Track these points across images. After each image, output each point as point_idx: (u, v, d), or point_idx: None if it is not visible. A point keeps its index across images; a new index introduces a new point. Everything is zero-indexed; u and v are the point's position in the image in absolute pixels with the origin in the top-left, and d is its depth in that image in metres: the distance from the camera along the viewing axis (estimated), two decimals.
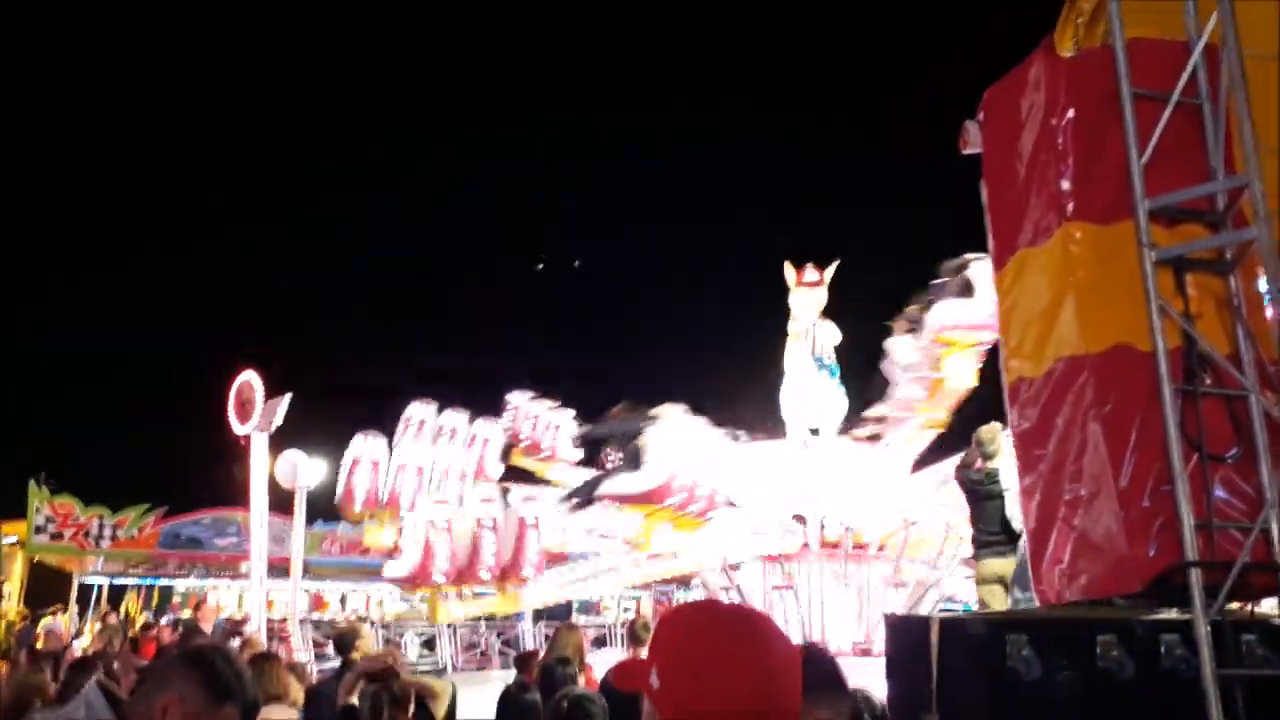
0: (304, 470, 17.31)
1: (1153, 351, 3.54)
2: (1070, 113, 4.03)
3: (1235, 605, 3.44)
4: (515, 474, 13.60)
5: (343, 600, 28.72)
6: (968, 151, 4.78)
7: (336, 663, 7.33)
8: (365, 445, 12.05)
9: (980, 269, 11.17)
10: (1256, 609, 3.53)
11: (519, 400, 13.96)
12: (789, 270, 12.73)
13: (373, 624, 17.16)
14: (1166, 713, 3.13)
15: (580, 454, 13.36)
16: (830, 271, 12.62)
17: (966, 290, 11.04)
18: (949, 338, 11.26)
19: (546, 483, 13.42)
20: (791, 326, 12.75)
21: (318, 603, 27.23)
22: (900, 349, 11.65)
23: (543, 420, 13.63)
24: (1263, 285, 3.75)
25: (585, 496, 10.87)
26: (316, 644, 15.33)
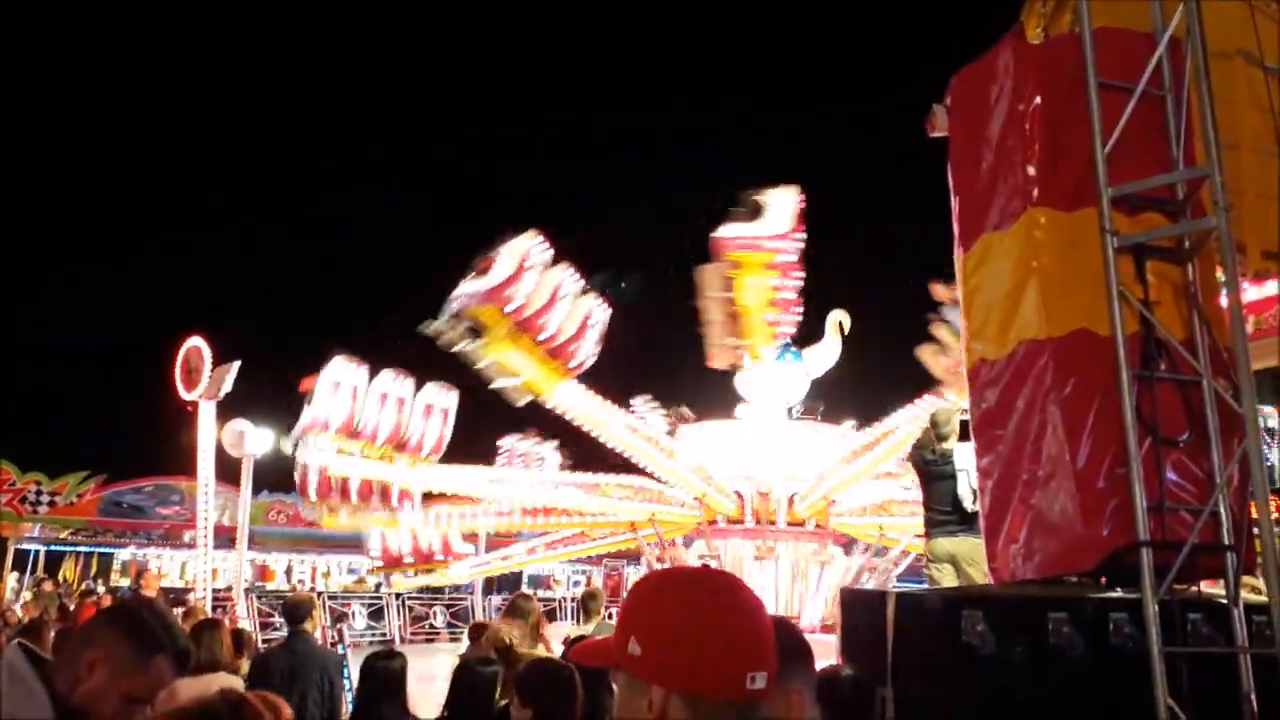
0: (251, 439, 17.04)
1: (1112, 337, 3.60)
2: (1037, 99, 4.07)
3: (1182, 586, 3.53)
4: None
5: (288, 571, 28.45)
6: (935, 135, 4.82)
7: (283, 633, 7.25)
8: (344, 370, 11.49)
9: (777, 196, 11.66)
10: (1203, 589, 3.63)
11: (509, 443, 14.44)
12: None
13: (319, 595, 16.98)
14: (1115, 688, 3.21)
15: None
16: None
17: (756, 213, 11.44)
18: (737, 256, 11.52)
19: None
20: None
21: (263, 573, 26.93)
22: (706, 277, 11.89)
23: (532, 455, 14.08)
24: (1219, 274, 3.84)
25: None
26: (262, 614, 15.13)
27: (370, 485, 11.69)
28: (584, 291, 11.17)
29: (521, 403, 11.16)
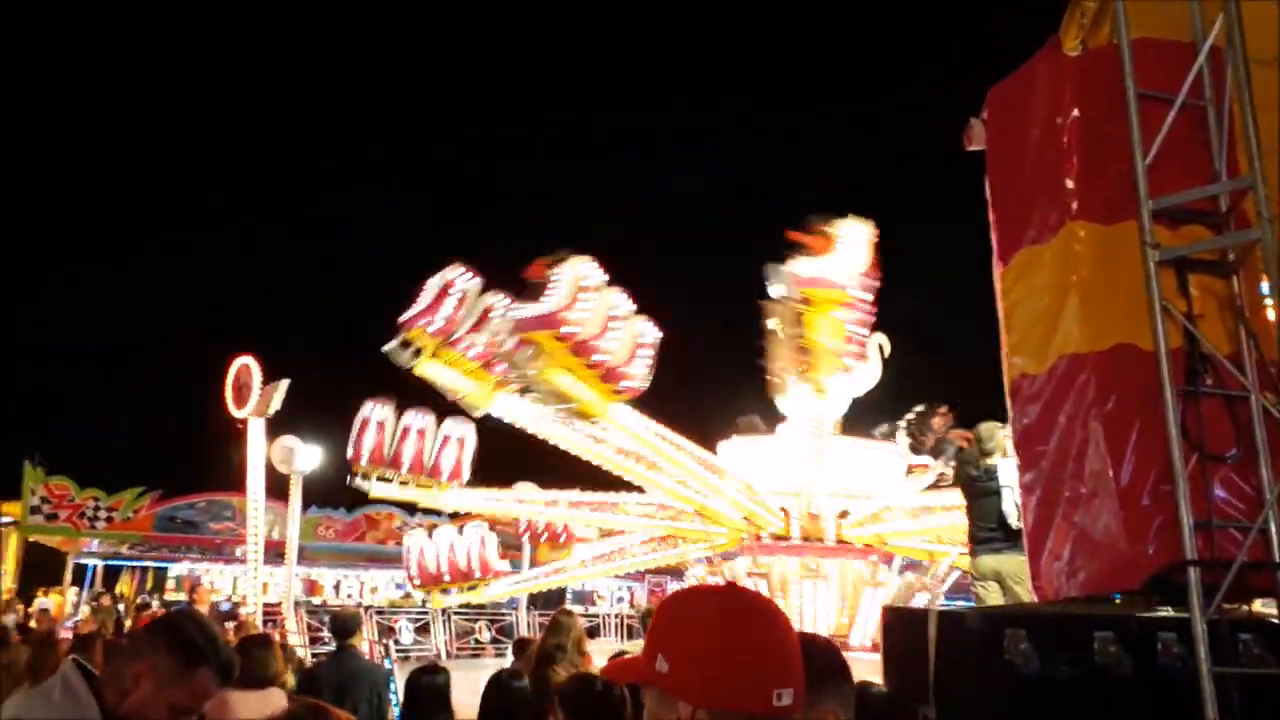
0: (300, 456, 17.32)
1: (1154, 351, 3.56)
2: (1075, 112, 4.05)
3: (1232, 605, 3.46)
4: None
5: (337, 586, 28.76)
6: (972, 148, 4.79)
7: (332, 647, 7.36)
8: (374, 410, 12.23)
9: (848, 229, 11.26)
10: (1254, 608, 3.56)
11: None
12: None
13: (367, 610, 17.18)
14: (1162, 709, 3.16)
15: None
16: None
17: (825, 246, 11.07)
18: (808, 293, 11.16)
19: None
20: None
21: (312, 588, 27.27)
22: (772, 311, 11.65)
23: None
24: (1265, 287, 3.77)
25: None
26: (311, 628, 15.35)
27: (420, 461, 12.10)
28: (635, 313, 11.22)
29: (575, 425, 11.34)
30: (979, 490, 6.55)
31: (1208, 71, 3.88)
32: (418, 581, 13.96)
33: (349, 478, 12.25)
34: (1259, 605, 3.70)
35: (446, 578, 13.48)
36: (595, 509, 13.06)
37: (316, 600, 25.24)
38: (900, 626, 3.70)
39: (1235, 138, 3.88)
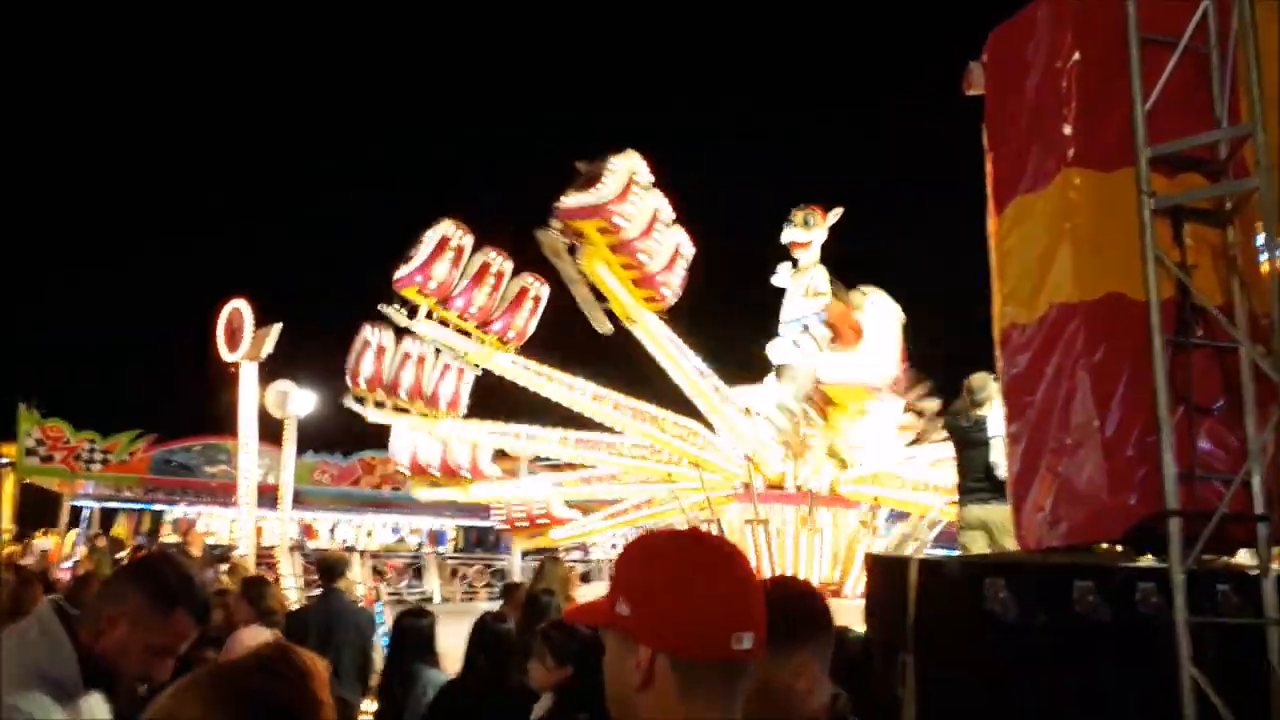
0: (295, 400, 17.33)
1: (1146, 301, 3.51)
2: (1075, 56, 3.96)
3: (1212, 556, 3.46)
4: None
5: (333, 530, 29.01)
6: (970, 93, 4.70)
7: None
8: (374, 334, 12.16)
9: (615, 163, 10.37)
10: (1234, 560, 3.56)
11: None
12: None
13: (361, 554, 17.32)
14: (1140, 657, 3.17)
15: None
16: (833, 215, 12.36)
17: (591, 181, 10.19)
18: (578, 225, 10.39)
19: None
20: (783, 272, 12.63)
21: (308, 532, 27.50)
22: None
23: None
24: (1260, 238, 3.72)
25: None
26: (307, 571, 15.46)
27: (420, 388, 12.04)
28: (675, 221, 11.00)
29: (603, 329, 11.14)
30: (968, 441, 6.56)
31: (1213, 15, 3.78)
32: (406, 471, 13.84)
33: (345, 398, 12.21)
34: (1242, 556, 3.71)
35: (436, 472, 13.34)
36: (592, 447, 12.99)
37: (312, 545, 25.45)
38: (882, 573, 3.70)
39: (1238, 85, 3.80)
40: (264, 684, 1.49)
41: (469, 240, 11.25)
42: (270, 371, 16.72)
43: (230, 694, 1.44)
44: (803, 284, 12.17)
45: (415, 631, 4.80)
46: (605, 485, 13.79)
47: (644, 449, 12.64)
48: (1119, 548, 3.67)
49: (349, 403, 12.09)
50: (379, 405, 12.08)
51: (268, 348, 15.91)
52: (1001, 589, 3.17)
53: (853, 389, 10.79)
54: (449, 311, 11.17)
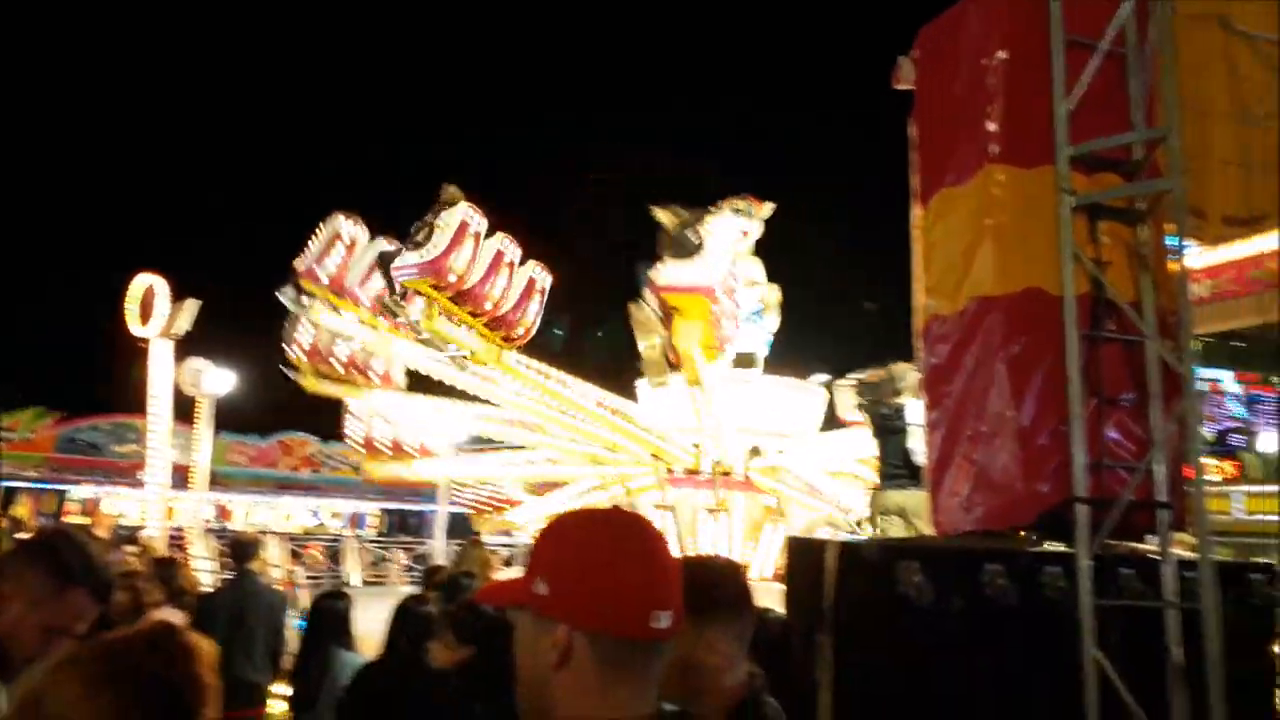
0: (210, 378, 16.85)
1: (1062, 296, 3.61)
2: (1001, 54, 4.04)
3: (1116, 542, 3.59)
4: None
5: (249, 512, 28.39)
6: (900, 87, 4.77)
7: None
8: (306, 308, 11.88)
9: (717, 225, 10.99)
10: (1136, 545, 3.69)
11: None
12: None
13: (277, 536, 16.97)
14: (1047, 640, 3.27)
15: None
16: (766, 210, 12.49)
17: (695, 249, 10.88)
18: (675, 300, 11.10)
19: None
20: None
21: (224, 514, 26.85)
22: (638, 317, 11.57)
23: None
24: (1170, 238, 3.86)
25: None
26: (221, 554, 15.08)
27: (355, 361, 11.94)
28: (524, 260, 11.12)
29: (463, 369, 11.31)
30: (888, 428, 6.71)
31: (1132, 20, 3.90)
32: (361, 450, 13.74)
33: (285, 371, 12.03)
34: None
35: (387, 451, 13.28)
36: (531, 429, 13.03)
37: (227, 527, 24.84)
38: (801, 556, 3.75)
39: (1154, 88, 3.93)
40: (148, 663, 1.44)
41: (362, 232, 11.27)
42: (186, 349, 16.23)
43: (112, 672, 1.39)
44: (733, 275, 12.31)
45: (332, 614, 4.73)
46: (550, 467, 13.84)
47: (575, 432, 12.74)
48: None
49: (292, 375, 11.94)
50: (321, 376, 11.94)
51: (184, 324, 15.43)
52: (915, 572, 3.23)
53: (690, 295, 11.09)
54: (345, 300, 11.14)
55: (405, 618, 4.16)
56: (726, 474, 11.99)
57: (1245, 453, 7.33)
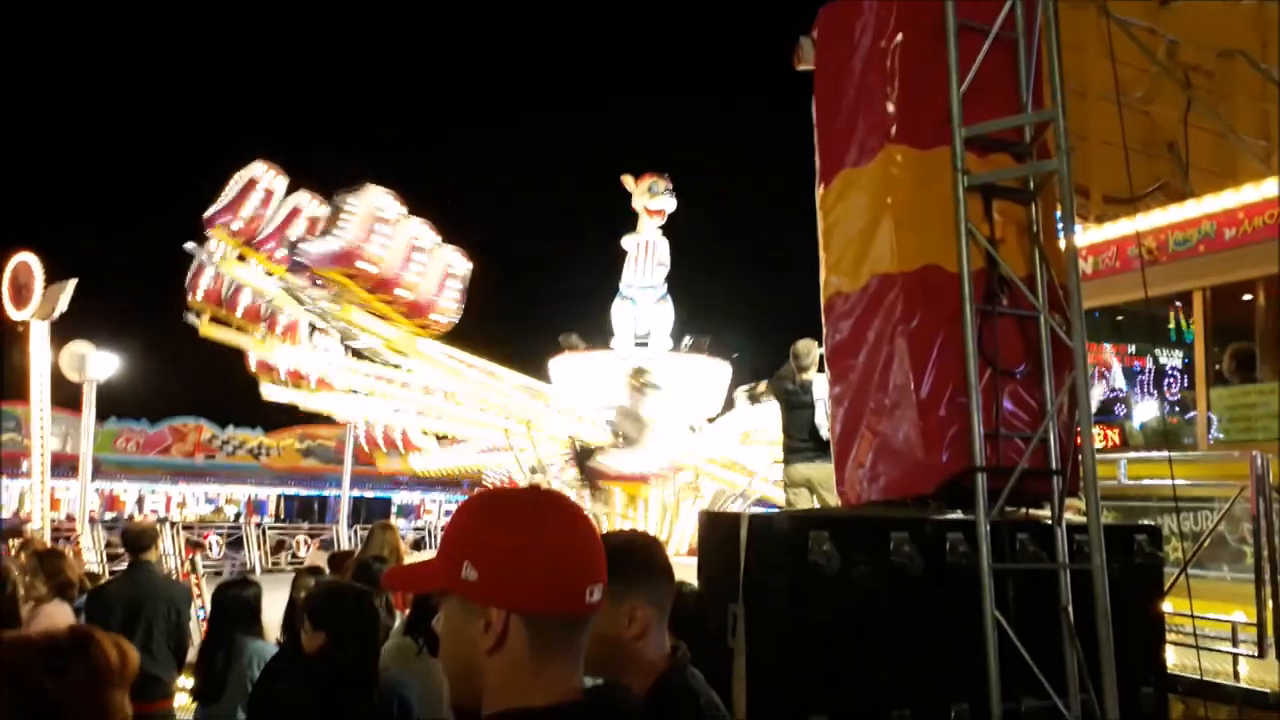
0: (93, 363, 16.10)
1: (958, 272, 3.75)
2: (899, 37, 4.14)
3: (1013, 508, 3.76)
4: None
5: (140, 501, 27.32)
6: (801, 68, 4.85)
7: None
8: (211, 253, 11.37)
9: (360, 200, 10.39)
10: (1031, 511, 3.88)
11: None
12: (629, 179, 12.66)
13: (173, 525, 16.38)
14: (950, 602, 3.42)
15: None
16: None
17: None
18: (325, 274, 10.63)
19: None
20: (630, 239, 12.79)
21: (112, 503, 25.79)
22: None
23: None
24: (1059, 216, 4.04)
25: None
26: (109, 545, 14.50)
27: (259, 310, 11.53)
28: (442, 243, 10.91)
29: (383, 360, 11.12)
30: (794, 403, 6.86)
31: (1021, 6, 4.04)
32: (254, 373, 13.14)
33: (184, 314, 11.54)
34: (1036, 509, 4.04)
35: (285, 380, 12.66)
36: (440, 396, 12.84)
37: (114, 516, 23.86)
38: (714, 529, 3.83)
39: (1042, 72, 4.09)
40: (35, 675, 1.38)
41: (281, 182, 10.84)
42: (65, 332, 15.47)
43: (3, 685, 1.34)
44: (650, 252, 12.43)
45: (239, 602, 4.61)
46: (459, 424, 13.62)
47: (525, 389, 12.63)
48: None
49: (188, 318, 11.48)
50: (216, 322, 11.50)
51: (61, 306, 14.67)
52: (825, 541, 3.33)
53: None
54: (258, 253, 10.75)
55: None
56: None
57: (1126, 421, 7.83)
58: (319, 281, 10.07)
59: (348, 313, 10.13)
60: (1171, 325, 7.16)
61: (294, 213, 10.77)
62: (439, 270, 10.78)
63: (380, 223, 9.94)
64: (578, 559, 1.30)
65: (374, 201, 9.92)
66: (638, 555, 1.92)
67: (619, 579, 1.78)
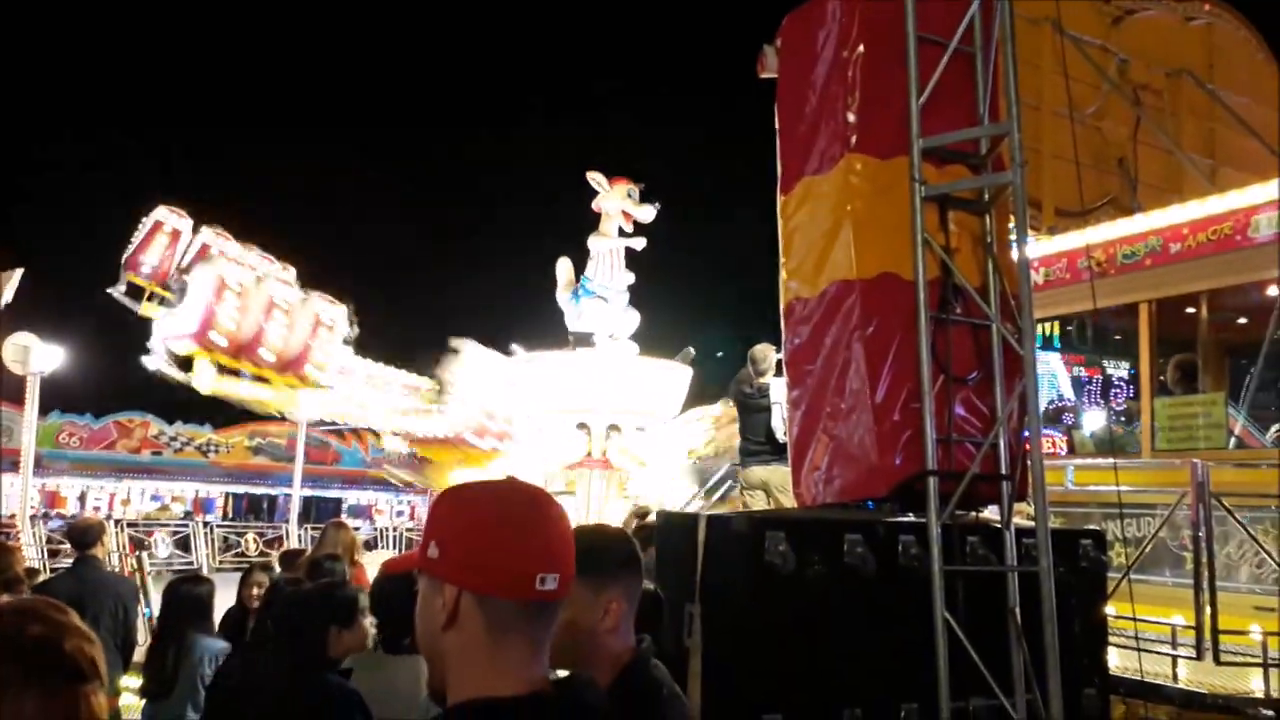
0: (37, 355, 15.74)
1: (914, 280, 3.83)
2: (860, 48, 4.21)
3: (964, 511, 3.84)
4: None
5: (82, 497, 26.74)
6: (765, 76, 4.91)
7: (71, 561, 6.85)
8: (169, 214, 11.31)
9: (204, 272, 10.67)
10: (981, 514, 3.97)
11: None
12: (600, 179, 12.64)
13: (117, 522, 16.08)
14: (902, 603, 3.48)
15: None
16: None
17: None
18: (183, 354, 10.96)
19: None
20: (595, 239, 12.78)
21: (54, 500, 25.21)
22: None
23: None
24: (1012, 227, 4.13)
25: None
26: (51, 541, 14.20)
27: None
28: (307, 296, 11.03)
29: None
30: (751, 406, 6.93)
31: (980, 21, 4.13)
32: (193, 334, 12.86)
33: (116, 286, 11.35)
34: (987, 513, 4.14)
35: (223, 342, 11.29)
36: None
37: (58, 513, 23.34)
38: (673, 530, 3.86)
39: (998, 85, 4.19)
40: (29, 629, 1.39)
41: (186, 223, 10.94)
42: (12, 323, 15.11)
43: None
44: (618, 255, 12.52)
45: (192, 599, 4.55)
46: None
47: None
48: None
49: (119, 290, 11.31)
50: (161, 298, 11.35)
51: (5, 296, 14.33)
52: (781, 542, 3.38)
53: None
54: (245, 360, 10.73)
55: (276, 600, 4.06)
56: (604, 453, 12.12)
57: (1074, 429, 8.03)
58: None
59: (218, 388, 10.23)
60: (1119, 336, 7.35)
61: (204, 249, 10.88)
62: (307, 323, 10.88)
63: (226, 292, 10.06)
64: (532, 546, 1.33)
65: (217, 273, 10.03)
66: (619, 550, 1.96)
67: (600, 572, 1.82)
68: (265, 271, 10.75)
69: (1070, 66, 6.28)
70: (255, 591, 5.11)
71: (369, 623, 3.27)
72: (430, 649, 1.35)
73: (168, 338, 9.98)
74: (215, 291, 9.91)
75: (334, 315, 11.09)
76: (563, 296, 12.73)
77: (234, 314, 9.97)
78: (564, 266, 12.91)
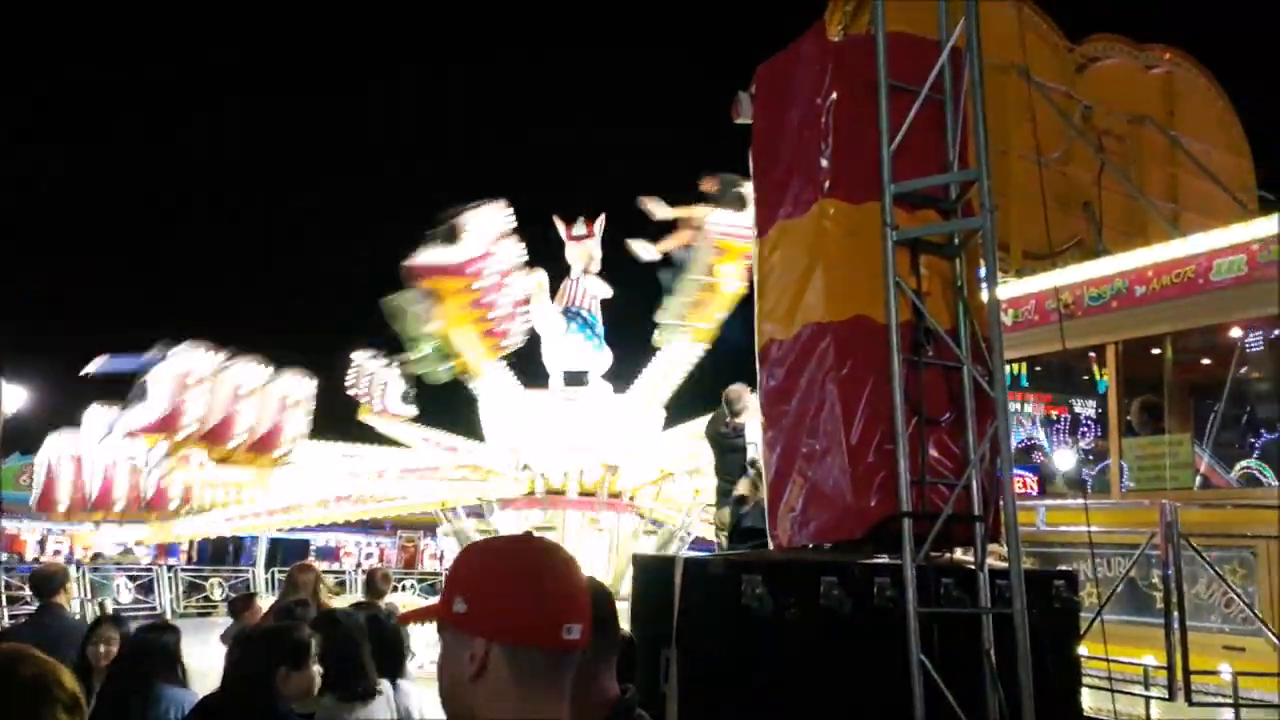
0: (1, 397, 15.49)
1: (886, 323, 3.88)
2: (833, 95, 4.29)
3: (938, 552, 3.86)
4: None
5: (42, 542, 26.16)
6: (739, 121, 4.99)
7: (33, 608, 6.68)
8: (62, 442, 11.38)
9: (476, 217, 11.13)
10: (954, 555, 3.98)
11: (360, 359, 13.73)
12: (559, 225, 12.74)
13: (79, 566, 15.74)
14: (878, 645, 3.48)
15: (412, 409, 13.40)
16: (599, 224, 12.74)
17: (452, 237, 11.09)
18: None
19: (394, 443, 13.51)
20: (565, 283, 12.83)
21: (13, 544, 24.64)
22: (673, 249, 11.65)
23: (377, 377, 13.47)
24: (982, 270, 4.20)
25: None
26: (10, 588, 13.86)
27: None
28: (275, 375, 11.20)
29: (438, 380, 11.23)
30: (726, 446, 6.93)
31: (949, 69, 4.23)
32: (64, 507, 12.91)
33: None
34: (960, 554, 4.15)
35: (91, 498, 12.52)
36: (421, 477, 12.83)
37: (16, 558, 22.82)
38: (648, 573, 3.85)
39: (968, 132, 4.27)
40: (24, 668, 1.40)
41: (510, 225, 11.07)
42: None
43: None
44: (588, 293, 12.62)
45: (158, 647, 4.43)
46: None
47: (467, 469, 12.81)
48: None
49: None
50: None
51: None
52: (757, 585, 3.38)
53: (450, 280, 11.27)
54: (476, 313, 10.88)
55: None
56: (560, 493, 12.03)
57: (1045, 468, 8.12)
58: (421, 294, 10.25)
59: (448, 329, 10.24)
60: (1086, 377, 7.45)
61: (235, 389, 11.02)
62: (275, 404, 11.04)
63: (190, 385, 10.22)
64: (555, 597, 1.38)
65: (180, 367, 10.20)
66: (607, 600, 1.98)
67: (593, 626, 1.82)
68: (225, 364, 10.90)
69: (1036, 112, 6.42)
70: (102, 649, 4.79)
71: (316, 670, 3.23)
72: (457, 701, 1.38)
73: (427, 264, 9.89)
74: (178, 386, 10.15)
75: (302, 392, 11.27)
76: (539, 309, 12.46)
77: (197, 407, 10.19)
78: (538, 278, 12.84)
